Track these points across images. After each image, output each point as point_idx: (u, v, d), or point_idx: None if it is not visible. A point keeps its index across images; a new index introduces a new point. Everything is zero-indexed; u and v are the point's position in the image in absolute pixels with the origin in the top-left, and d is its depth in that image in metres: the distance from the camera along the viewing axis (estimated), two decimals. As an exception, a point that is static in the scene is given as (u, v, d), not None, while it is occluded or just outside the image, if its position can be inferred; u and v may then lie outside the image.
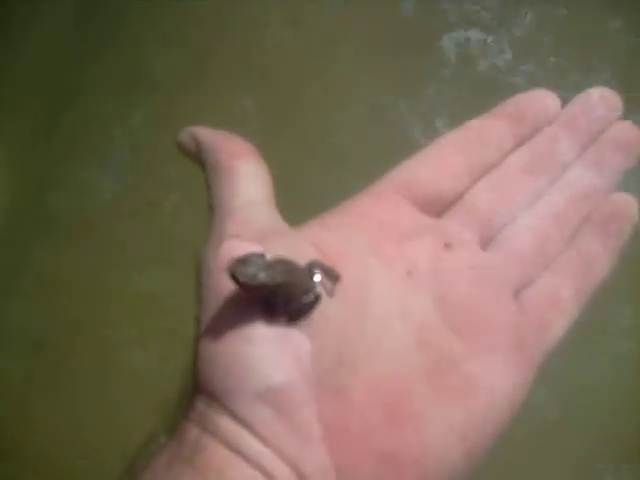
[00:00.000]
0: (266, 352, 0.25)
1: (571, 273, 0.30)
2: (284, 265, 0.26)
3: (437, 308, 0.28)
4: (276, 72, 0.84)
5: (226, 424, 0.24)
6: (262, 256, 0.26)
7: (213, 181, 0.29)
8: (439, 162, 0.31)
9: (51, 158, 0.87)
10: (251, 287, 0.25)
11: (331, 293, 0.27)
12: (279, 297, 0.26)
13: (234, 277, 0.24)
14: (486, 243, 0.31)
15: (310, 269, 0.27)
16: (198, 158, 0.30)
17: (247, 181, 0.29)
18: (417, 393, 0.26)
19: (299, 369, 0.25)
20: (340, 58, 0.85)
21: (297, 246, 0.28)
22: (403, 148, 0.31)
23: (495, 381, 0.27)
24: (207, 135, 0.31)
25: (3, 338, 0.78)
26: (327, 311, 0.26)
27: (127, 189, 0.85)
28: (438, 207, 0.31)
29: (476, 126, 0.33)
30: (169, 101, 0.88)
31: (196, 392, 0.25)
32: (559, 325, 0.29)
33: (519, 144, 0.32)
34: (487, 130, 0.32)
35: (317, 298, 0.27)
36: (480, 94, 0.81)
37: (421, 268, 0.29)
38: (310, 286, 0.27)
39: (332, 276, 0.27)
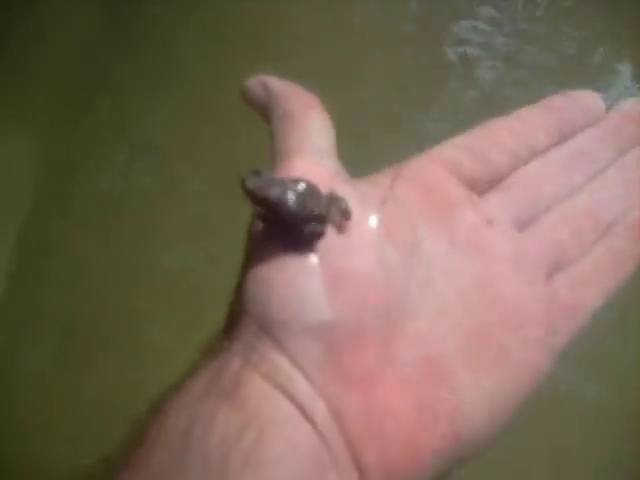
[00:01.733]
0: (322, 286, 0.25)
1: (601, 265, 0.31)
2: (299, 186, 0.26)
3: (475, 281, 0.29)
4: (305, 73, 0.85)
5: (273, 357, 0.24)
6: (282, 179, 0.26)
7: (281, 129, 0.29)
8: (486, 143, 0.32)
9: (79, 141, 0.88)
10: (256, 198, 0.25)
11: (341, 229, 0.27)
12: (286, 217, 0.26)
13: (242, 184, 0.25)
14: (523, 226, 0.32)
15: (327, 200, 0.27)
16: (264, 105, 0.31)
17: (317, 131, 0.29)
18: (454, 356, 0.27)
19: (350, 309, 0.25)
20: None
21: (361, 196, 0.28)
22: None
23: (525, 357, 0.28)
24: (278, 84, 0.31)
25: (33, 322, 0.79)
26: (386, 259, 0.27)
27: (157, 171, 0.85)
28: (481, 185, 0.32)
29: (524, 115, 0.34)
30: (199, 87, 0.88)
31: (243, 324, 0.25)
32: (587, 311, 0.30)
33: (562, 138, 0.33)
34: (534, 119, 0.33)
35: (318, 234, 0.26)
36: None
37: (462, 239, 0.30)
38: (318, 217, 0.26)
39: (343, 212, 0.27)
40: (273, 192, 0.25)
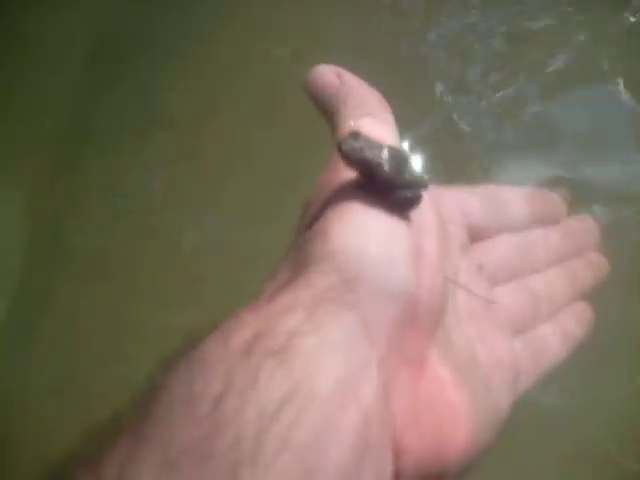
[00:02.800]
0: (410, 257, 0.26)
1: (553, 336, 0.37)
2: (395, 154, 0.26)
3: (458, 316, 0.32)
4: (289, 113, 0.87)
5: (343, 317, 0.23)
6: (379, 143, 0.26)
7: (356, 118, 0.30)
8: (494, 202, 0.37)
9: (66, 197, 0.89)
10: (353, 161, 0.25)
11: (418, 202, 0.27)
12: (379, 183, 0.26)
13: (339, 146, 0.25)
14: (494, 284, 0.36)
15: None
16: (331, 93, 0.31)
17: (392, 127, 0.30)
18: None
19: (424, 286, 0.26)
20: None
21: None
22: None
23: (499, 393, 0.31)
24: (352, 77, 0.32)
25: (26, 383, 0.79)
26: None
27: (143, 226, 0.86)
28: (474, 236, 0.36)
29: (520, 194, 0.39)
30: (184, 136, 0.90)
31: (318, 271, 0.24)
32: (547, 364, 0.36)
33: (536, 225, 0.39)
34: (527, 204, 0.38)
35: (411, 201, 0.27)
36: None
37: (459, 277, 0.33)
38: (414, 182, 0.27)
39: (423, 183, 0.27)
40: (369, 154, 0.25)
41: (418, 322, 0.26)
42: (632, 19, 0.90)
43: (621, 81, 0.87)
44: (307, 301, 0.23)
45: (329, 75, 0.32)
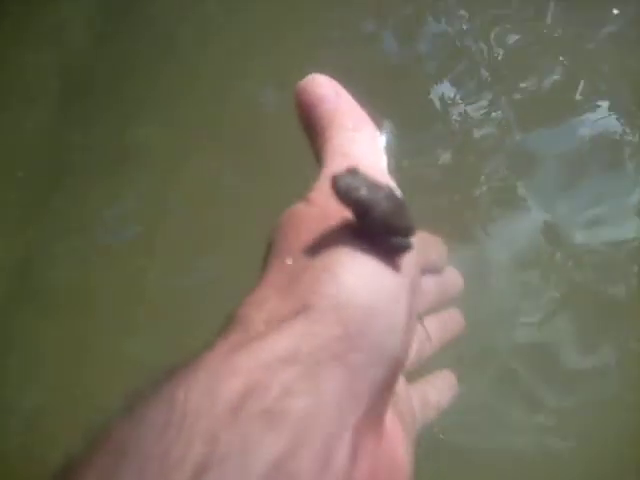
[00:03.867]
0: (405, 320, 0.25)
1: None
2: (391, 196, 0.25)
3: None
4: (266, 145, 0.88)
5: (332, 373, 0.22)
6: (376, 182, 0.25)
7: (346, 135, 0.29)
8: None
9: (38, 235, 0.89)
10: (348, 199, 0.24)
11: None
12: (374, 224, 0.24)
13: (334, 182, 0.24)
14: None
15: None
16: (325, 106, 0.30)
17: (382, 150, 0.30)
18: None
19: (406, 347, 0.25)
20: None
21: None
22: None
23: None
24: (348, 96, 0.31)
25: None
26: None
27: (117, 262, 0.87)
28: None
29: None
30: (157, 172, 0.91)
31: (321, 321, 0.23)
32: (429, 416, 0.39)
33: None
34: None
35: (407, 245, 0.25)
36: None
37: None
38: (406, 228, 0.25)
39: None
40: (366, 195, 0.24)
41: (394, 383, 0.25)
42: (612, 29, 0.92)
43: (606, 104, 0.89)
44: (307, 354, 0.22)
45: (326, 88, 0.30)
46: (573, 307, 0.77)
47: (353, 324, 0.23)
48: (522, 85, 0.91)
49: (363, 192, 0.24)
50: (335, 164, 0.27)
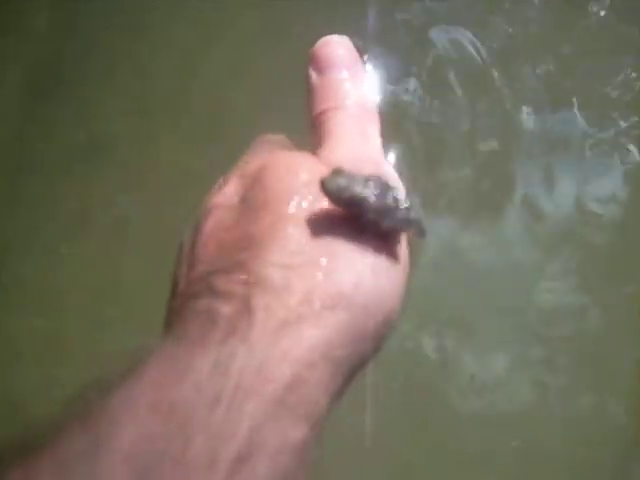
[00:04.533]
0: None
1: None
2: (381, 185, 0.25)
3: None
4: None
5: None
6: (362, 176, 0.25)
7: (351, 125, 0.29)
8: None
9: (7, 235, 0.88)
10: (340, 200, 0.24)
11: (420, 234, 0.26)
12: (369, 218, 0.25)
13: (323, 186, 0.24)
14: None
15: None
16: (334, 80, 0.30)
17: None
18: None
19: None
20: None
21: None
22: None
23: None
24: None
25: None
26: None
27: (88, 253, 0.85)
28: None
29: None
30: (127, 167, 0.90)
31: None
32: None
33: None
34: None
35: (415, 221, 0.26)
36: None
37: None
38: (404, 213, 0.25)
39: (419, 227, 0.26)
40: (356, 191, 0.24)
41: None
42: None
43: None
44: (334, 356, 0.23)
45: (343, 52, 0.30)
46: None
47: (355, 323, 0.23)
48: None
49: (354, 190, 0.24)
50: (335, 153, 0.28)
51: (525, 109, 0.90)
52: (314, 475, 0.21)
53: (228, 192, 0.28)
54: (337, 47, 0.30)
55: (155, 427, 0.19)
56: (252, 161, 0.29)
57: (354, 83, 0.30)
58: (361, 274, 0.24)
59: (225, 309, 0.23)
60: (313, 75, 0.30)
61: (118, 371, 0.21)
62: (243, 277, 0.23)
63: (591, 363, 0.80)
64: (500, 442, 0.77)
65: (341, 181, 0.24)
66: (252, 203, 0.26)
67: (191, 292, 0.25)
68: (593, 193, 0.87)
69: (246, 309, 0.22)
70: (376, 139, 0.29)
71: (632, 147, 0.89)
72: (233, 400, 0.20)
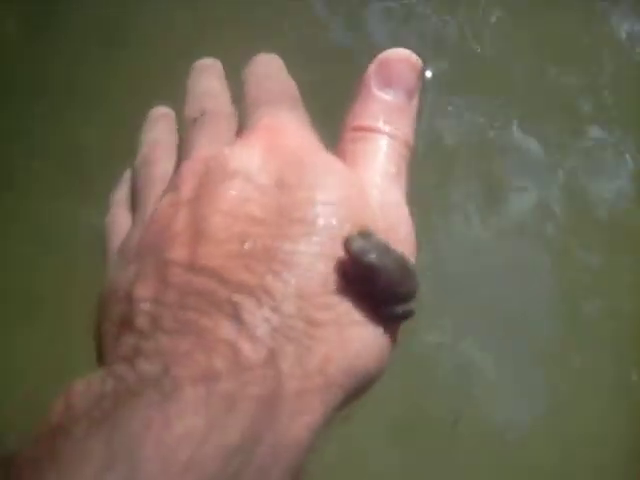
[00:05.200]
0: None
1: None
2: (401, 263, 0.25)
3: None
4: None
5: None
6: (387, 246, 0.25)
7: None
8: None
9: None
10: (359, 263, 0.24)
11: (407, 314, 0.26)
12: (380, 287, 0.24)
13: (348, 245, 0.24)
14: None
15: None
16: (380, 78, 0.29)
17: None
18: None
19: None
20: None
21: None
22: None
23: None
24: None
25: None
26: None
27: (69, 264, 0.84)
28: None
29: None
30: (101, 180, 0.88)
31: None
32: None
33: None
34: None
35: (410, 313, 0.25)
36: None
37: None
38: (410, 293, 0.25)
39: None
40: (379, 260, 0.24)
41: None
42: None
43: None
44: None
45: (411, 75, 0.29)
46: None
47: (344, 377, 0.23)
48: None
49: (376, 256, 0.24)
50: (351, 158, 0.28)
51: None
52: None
53: (247, 159, 0.27)
54: (408, 67, 0.29)
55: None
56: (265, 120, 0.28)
57: (407, 112, 0.29)
58: (370, 353, 0.24)
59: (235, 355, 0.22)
60: (371, 84, 0.29)
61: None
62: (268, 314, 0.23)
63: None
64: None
65: (367, 245, 0.24)
66: (291, 196, 0.25)
67: (181, 301, 0.24)
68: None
69: (271, 361, 0.22)
70: (405, 179, 0.28)
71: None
72: None
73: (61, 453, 0.19)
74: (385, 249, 0.25)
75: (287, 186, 0.25)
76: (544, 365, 0.81)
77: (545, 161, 0.92)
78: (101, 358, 0.25)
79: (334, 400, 0.23)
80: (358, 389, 0.24)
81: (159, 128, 0.34)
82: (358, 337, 0.24)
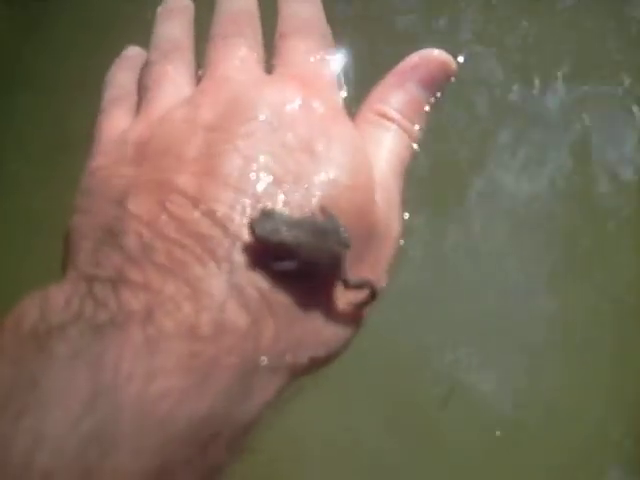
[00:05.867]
0: None
1: None
2: (313, 225, 0.24)
3: None
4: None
5: None
6: (294, 218, 0.24)
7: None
8: None
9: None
10: (270, 244, 0.23)
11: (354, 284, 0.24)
12: (298, 261, 0.23)
13: (252, 229, 0.23)
14: None
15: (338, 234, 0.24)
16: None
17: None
18: None
19: None
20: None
21: None
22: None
23: None
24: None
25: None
26: None
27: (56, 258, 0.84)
28: None
29: None
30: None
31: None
32: None
33: None
34: None
35: (335, 266, 0.24)
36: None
37: None
38: (334, 253, 0.24)
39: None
40: (287, 236, 0.23)
41: None
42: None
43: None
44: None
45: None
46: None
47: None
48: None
49: (284, 233, 0.23)
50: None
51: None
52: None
53: (280, 108, 0.26)
54: (445, 72, 0.30)
55: None
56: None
57: (425, 112, 0.30)
58: (336, 340, 0.24)
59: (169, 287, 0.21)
60: (407, 76, 0.29)
61: None
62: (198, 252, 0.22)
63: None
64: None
65: (269, 224, 0.23)
66: (314, 166, 0.25)
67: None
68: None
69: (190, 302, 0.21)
70: (403, 175, 0.29)
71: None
72: None
73: (42, 372, 0.18)
74: (292, 222, 0.23)
75: (314, 154, 0.25)
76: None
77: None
78: (68, 260, 0.24)
79: (291, 381, 0.22)
80: (313, 371, 0.24)
81: (179, 23, 0.33)
82: (326, 324, 0.24)
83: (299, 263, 0.23)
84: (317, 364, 0.24)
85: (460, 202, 0.85)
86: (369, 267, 0.25)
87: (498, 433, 0.73)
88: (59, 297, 0.20)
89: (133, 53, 0.33)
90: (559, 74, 0.89)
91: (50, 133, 0.91)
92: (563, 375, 0.76)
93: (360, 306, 0.25)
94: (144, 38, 0.97)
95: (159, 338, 0.19)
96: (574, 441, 0.73)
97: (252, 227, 0.23)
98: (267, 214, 0.23)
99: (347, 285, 0.24)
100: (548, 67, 0.90)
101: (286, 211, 0.24)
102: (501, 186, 0.85)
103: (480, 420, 0.74)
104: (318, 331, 0.23)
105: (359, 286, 0.24)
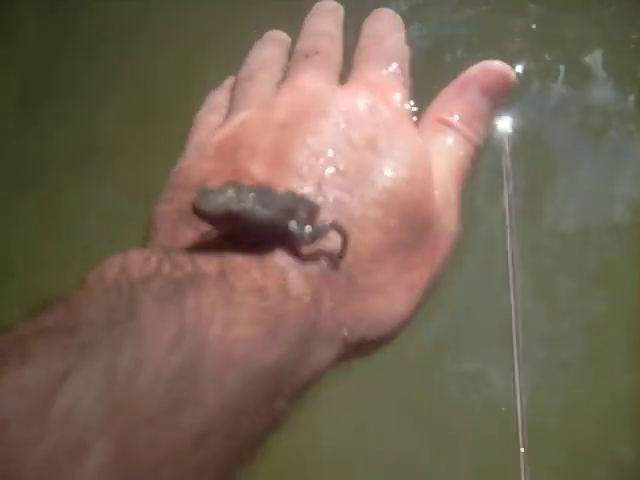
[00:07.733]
0: None
1: None
2: (259, 192, 0.23)
3: None
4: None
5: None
6: (236, 185, 0.23)
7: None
8: None
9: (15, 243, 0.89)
10: (218, 217, 0.22)
11: (310, 238, 0.24)
12: (249, 232, 0.23)
13: (195, 207, 0.22)
14: None
15: (292, 205, 0.24)
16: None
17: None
18: None
19: None
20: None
21: None
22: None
23: None
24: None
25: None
26: None
27: (90, 263, 0.85)
28: None
29: None
30: (129, 172, 0.90)
31: None
32: None
33: None
34: None
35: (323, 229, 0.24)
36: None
37: None
38: (286, 225, 0.24)
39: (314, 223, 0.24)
40: (234, 204, 0.22)
41: None
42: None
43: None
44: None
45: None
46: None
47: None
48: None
49: (231, 204, 0.22)
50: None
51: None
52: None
53: (349, 108, 0.28)
54: (506, 84, 0.31)
55: None
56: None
57: (488, 123, 0.31)
58: (390, 324, 0.26)
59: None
60: (472, 87, 0.31)
61: None
62: None
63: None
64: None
65: (212, 199, 0.22)
66: (376, 161, 0.27)
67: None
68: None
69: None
70: (464, 184, 0.30)
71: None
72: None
73: (131, 312, 0.20)
74: (236, 191, 0.23)
75: (377, 150, 0.27)
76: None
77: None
78: (149, 237, 0.27)
79: (342, 358, 0.24)
80: (361, 353, 0.26)
81: (270, 49, 0.36)
82: (384, 307, 0.25)
83: (240, 228, 0.23)
84: (366, 346, 0.25)
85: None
86: (423, 256, 0.27)
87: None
88: (139, 257, 0.22)
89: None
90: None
91: (79, 137, 0.93)
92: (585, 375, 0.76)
93: (341, 252, 0.25)
94: (173, 42, 0.99)
95: (232, 294, 0.21)
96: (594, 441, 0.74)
97: (195, 205, 0.22)
98: (205, 190, 0.23)
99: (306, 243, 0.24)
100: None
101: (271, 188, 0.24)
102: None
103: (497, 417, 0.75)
104: (373, 311, 0.25)
105: (317, 234, 0.24)
